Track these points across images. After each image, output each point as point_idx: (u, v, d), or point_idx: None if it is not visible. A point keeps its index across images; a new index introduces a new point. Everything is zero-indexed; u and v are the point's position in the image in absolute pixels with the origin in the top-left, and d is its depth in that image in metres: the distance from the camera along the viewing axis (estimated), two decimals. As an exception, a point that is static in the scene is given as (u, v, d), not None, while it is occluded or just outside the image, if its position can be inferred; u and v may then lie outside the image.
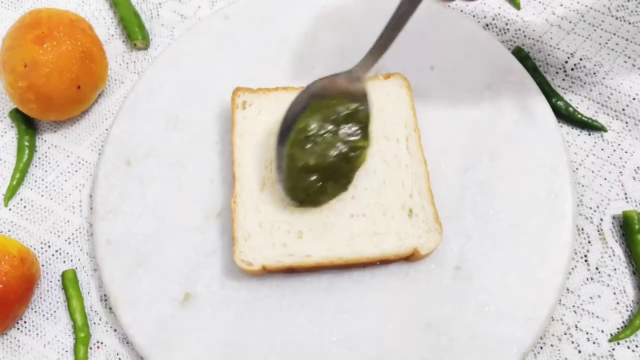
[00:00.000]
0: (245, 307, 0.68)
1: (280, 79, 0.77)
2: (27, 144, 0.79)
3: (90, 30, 0.78)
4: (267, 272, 0.68)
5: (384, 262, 0.67)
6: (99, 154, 0.80)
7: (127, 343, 0.71)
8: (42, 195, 0.78)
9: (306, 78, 0.76)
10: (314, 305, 0.68)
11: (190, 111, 0.77)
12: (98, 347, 0.71)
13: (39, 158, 0.80)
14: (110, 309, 0.73)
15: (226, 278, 0.69)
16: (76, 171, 0.79)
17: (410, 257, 0.67)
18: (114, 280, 0.70)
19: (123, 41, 0.86)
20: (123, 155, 0.75)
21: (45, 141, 0.81)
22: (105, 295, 0.73)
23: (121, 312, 0.68)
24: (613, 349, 0.68)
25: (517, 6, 0.83)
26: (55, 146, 0.81)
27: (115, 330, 0.72)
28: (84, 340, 0.71)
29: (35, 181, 0.79)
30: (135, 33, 0.84)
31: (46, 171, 0.80)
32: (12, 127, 0.82)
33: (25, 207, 0.78)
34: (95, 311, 0.73)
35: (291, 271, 0.68)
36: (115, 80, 0.84)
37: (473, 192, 0.71)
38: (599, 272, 0.71)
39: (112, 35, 0.86)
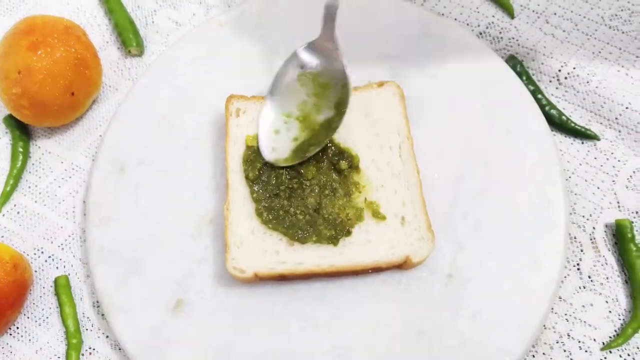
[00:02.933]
0: (237, 314, 0.68)
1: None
2: (21, 150, 0.80)
3: (84, 37, 0.78)
4: (259, 280, 0.68)
5: (376, 270, 0.67)
6: (93, 160, 0.80)
7: (119, 349, 0.71)
8: (35, 201, 0.79)
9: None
10: (306, 312, 0.68)
11: (184, 118, 0.77)
12: (90, 354, 0.71)
13: (33, 164, 0.81)
14: (103, 315, 0.73)
15: (218, 285, 0.69)
16: (70, 177, 0.80)
17: (403, 265, 0.67)
18: (106, 286, 0.70)
19: (118, 48, 0.86)
20: (117, 161, 0.75)
21: (39, 147, 0.81)
22: (97, 302, 0.73)
23: (113, 319, 0.68)
24: (605, 358, 0.68)
25: (511, 15, 0.84)
26: (49, 152, 0.81)
27: (107, 337, 0.72)
28: (76, 347, 0.71)
29: (29, 187, 0.79)
30: (130, 40, 0.84)
31: (40, 177, 0.80)
32: (6, 133, 0.82)
33: (18, 212, 0.78)
34: (88, 317, 0.73)
35: (283, 278, 0.68)
36: (110, 86, 0.84)
37: (466, 199, 0.72)
38: (591, 281, 0.71)
39: (107, 42, 0.87)
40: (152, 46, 0.86)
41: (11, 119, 0.81)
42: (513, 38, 0.82)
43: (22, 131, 0.81)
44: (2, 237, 0.77)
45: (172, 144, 0.76)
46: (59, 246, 0.76)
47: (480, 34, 0.83)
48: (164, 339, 0.67)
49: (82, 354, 0.71)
